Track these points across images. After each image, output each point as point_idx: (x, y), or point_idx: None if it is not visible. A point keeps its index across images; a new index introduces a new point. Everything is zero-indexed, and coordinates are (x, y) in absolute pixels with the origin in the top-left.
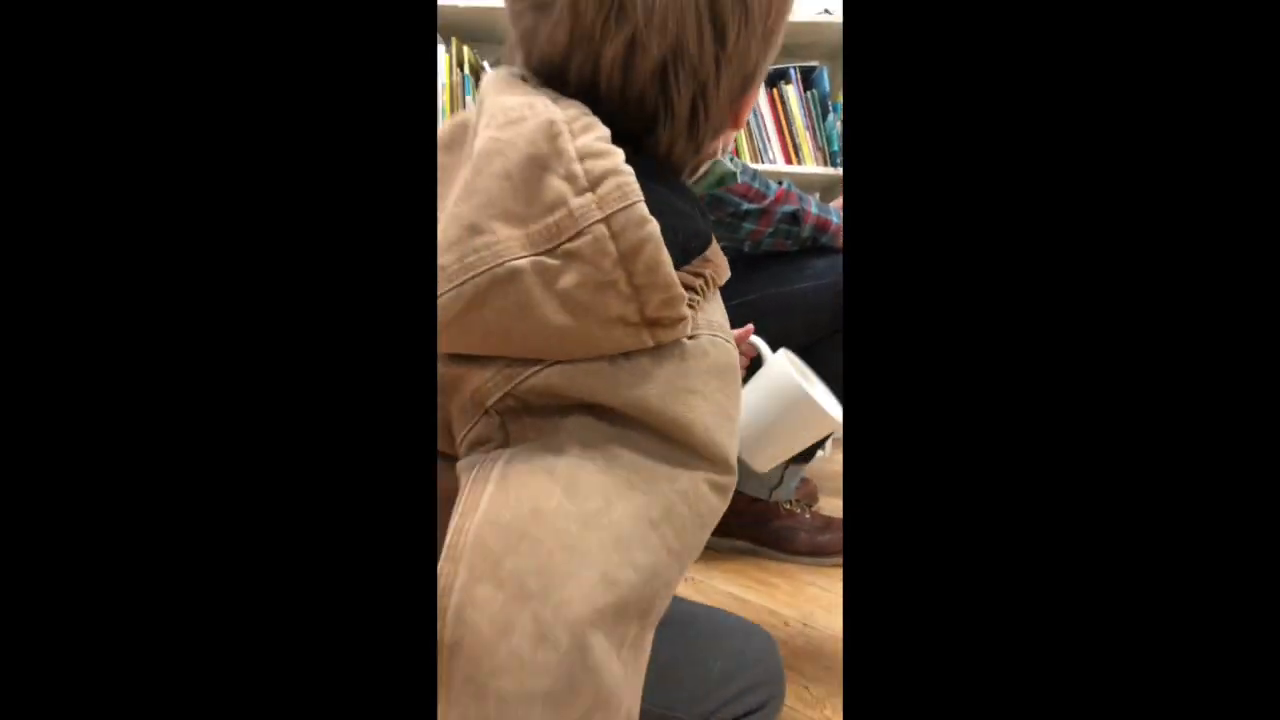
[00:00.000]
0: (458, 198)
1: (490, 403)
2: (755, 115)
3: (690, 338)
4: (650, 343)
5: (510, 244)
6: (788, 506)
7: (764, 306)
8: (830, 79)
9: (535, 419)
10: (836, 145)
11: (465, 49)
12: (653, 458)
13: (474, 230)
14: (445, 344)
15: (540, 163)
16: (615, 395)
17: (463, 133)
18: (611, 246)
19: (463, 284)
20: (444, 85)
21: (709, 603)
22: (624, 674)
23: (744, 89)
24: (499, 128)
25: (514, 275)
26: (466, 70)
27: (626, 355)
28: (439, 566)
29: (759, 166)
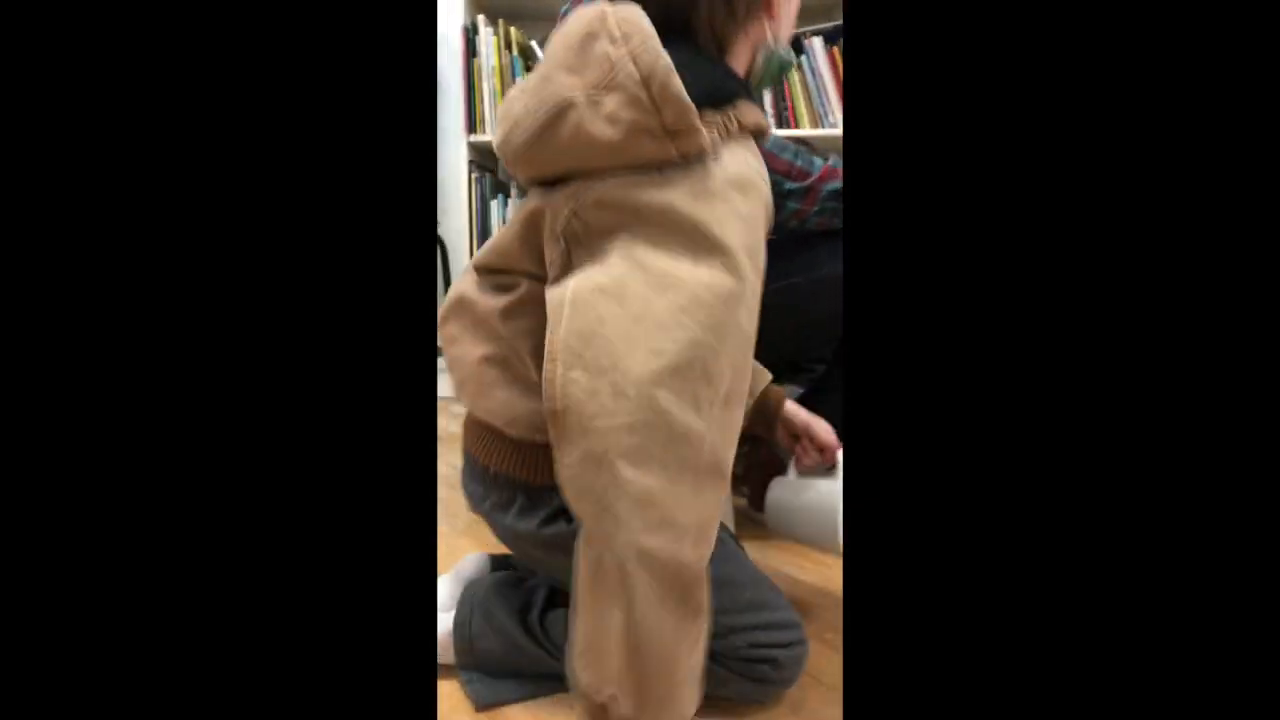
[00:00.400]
0: (539, 65)
1: (561, 226)
2: (814, 76)
3: (713, 156)
4: (674, 152)
5: (571, 86)
6: None
7: (797, 293)
8: None
9: (590, 245)
10: None
11: (512, 30)
12: (678, 256)
13: (546, 80)
14: (532, 170)
15: (592, 35)
16: (650, 197)
17: None
18: (635, 71)
19: (538, 113)
20: (494, 67)
21: None
22: (705, 425)
23: None
24: (570, 21)
25: (572, 104)
26: (515, 51)
27: (660, 169)
28: (545, 366)
29: (820, 132)
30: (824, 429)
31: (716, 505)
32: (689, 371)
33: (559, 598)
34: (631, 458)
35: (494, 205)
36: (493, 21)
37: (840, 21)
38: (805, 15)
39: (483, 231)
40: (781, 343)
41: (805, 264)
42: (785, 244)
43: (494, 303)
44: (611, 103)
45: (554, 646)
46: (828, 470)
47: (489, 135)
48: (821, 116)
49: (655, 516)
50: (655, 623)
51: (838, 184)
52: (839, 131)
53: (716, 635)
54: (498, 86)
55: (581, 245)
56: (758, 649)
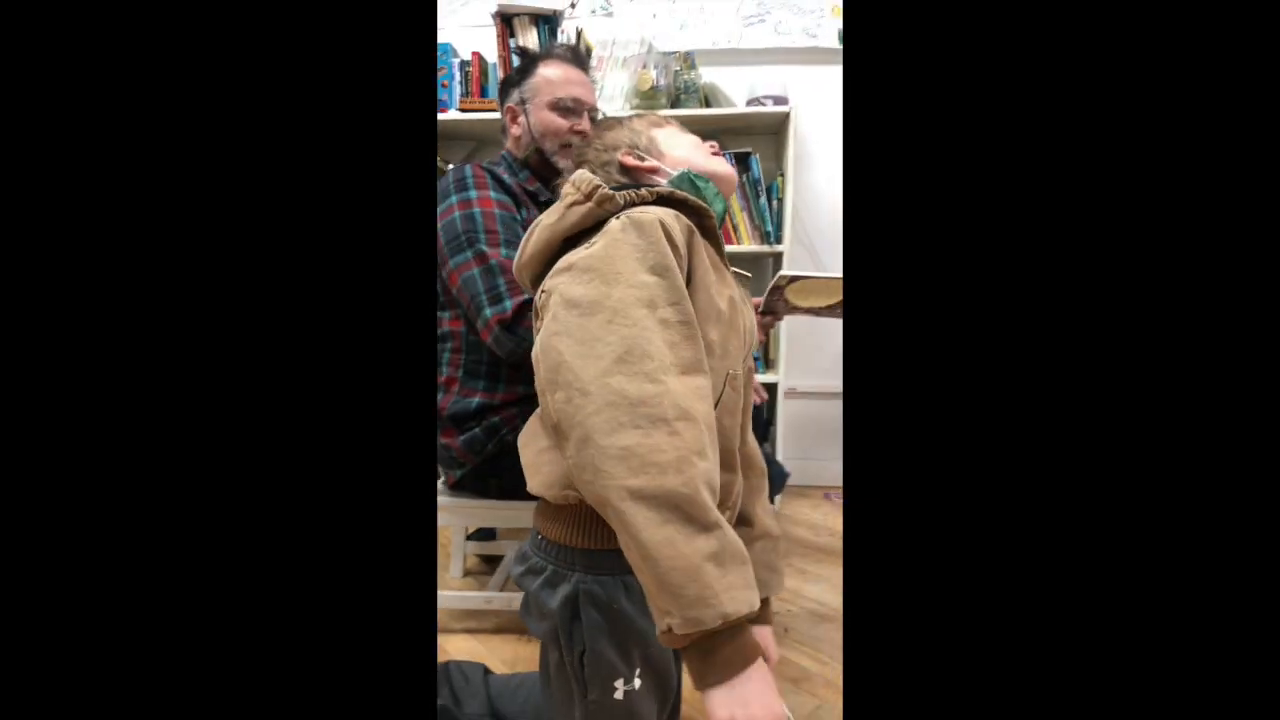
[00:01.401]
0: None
1: (539, 302)
2: None
3: (615, 217)
4: (595, 208)
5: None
6: None
7: None
8: (761, 163)
9: (549, 304)
10: (770, 225)
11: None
12: (597, 286)
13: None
14: (527, 270)
15: (564, 197)
16: (578, 255)
17: None
18: (564, 201)
19: (525, 237)
20: None
21: None
22: (660, 387)
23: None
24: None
25: (541, 221)
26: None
27: (589, 241)
28: (540, 402)
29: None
30: None
31: (696, 440)
32: (629, 356)
33: None
34: (605, 430)
35: None
36: None
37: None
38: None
39: None
40: None
41: None
42: None
43: None
44: (561, 206)
45: None
46: None
47: None
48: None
49: (636, 463)
50: (663, 541)
51: None
52: (739, 247)
53: None
54: None
55: (547, 307)
56: None
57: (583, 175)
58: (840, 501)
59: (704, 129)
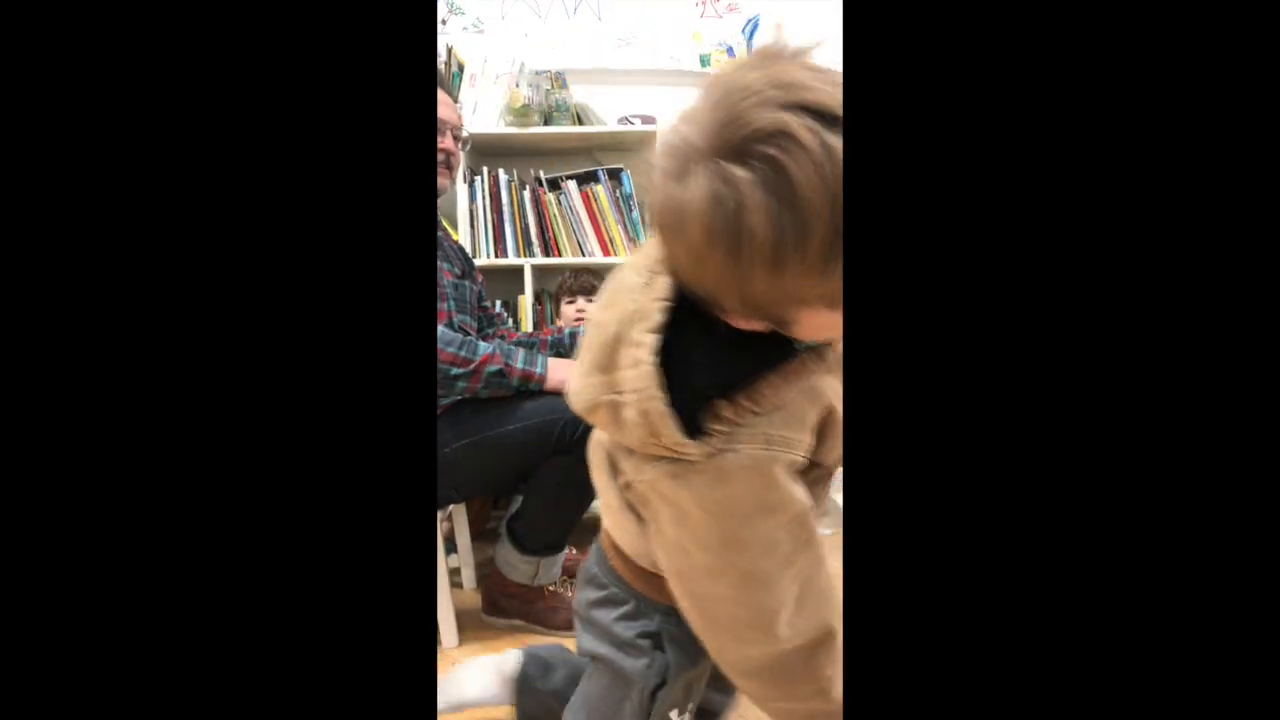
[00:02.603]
0: (587, 349)
1: (635, 488)
2: (571, 212)
3: (734, 451)
4: (687, 458)
5: (601, 388)
6: (550, 588)
7: (484, 445)
8: (633, 178)
9: (653, 517)
10: (643, 237)
11: None
12: (725, 572)
13: (587, 375)
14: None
15: (620, 339)
16: (682, 495)
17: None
18: (636, 410)
19: (587, 406)
20: None
21: None
22: (810, 679)
23: (762, 300)
24: (602, 308)
25: (600, 405)
26: None
27: (691, 464)
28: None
29: (579, 260)
30: None
31: (831, 659)
32: (757, 623)
33: None
34: (740, 674)
35: None
36: None
37: (592, 168)
38: (562, 163)
39: None
40: (475, 485)
41: (481, 425)
42: (462, 411)
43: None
44: (626, 414)
45: None
46: None
47: None
48: (580, 245)
49: (775, 692)
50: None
51: (496, 366)
52: (596, 260)
53: None
54: None
55: (647, 509)
56: None
57: (662, 421)
58: None
59: (578, 146)
